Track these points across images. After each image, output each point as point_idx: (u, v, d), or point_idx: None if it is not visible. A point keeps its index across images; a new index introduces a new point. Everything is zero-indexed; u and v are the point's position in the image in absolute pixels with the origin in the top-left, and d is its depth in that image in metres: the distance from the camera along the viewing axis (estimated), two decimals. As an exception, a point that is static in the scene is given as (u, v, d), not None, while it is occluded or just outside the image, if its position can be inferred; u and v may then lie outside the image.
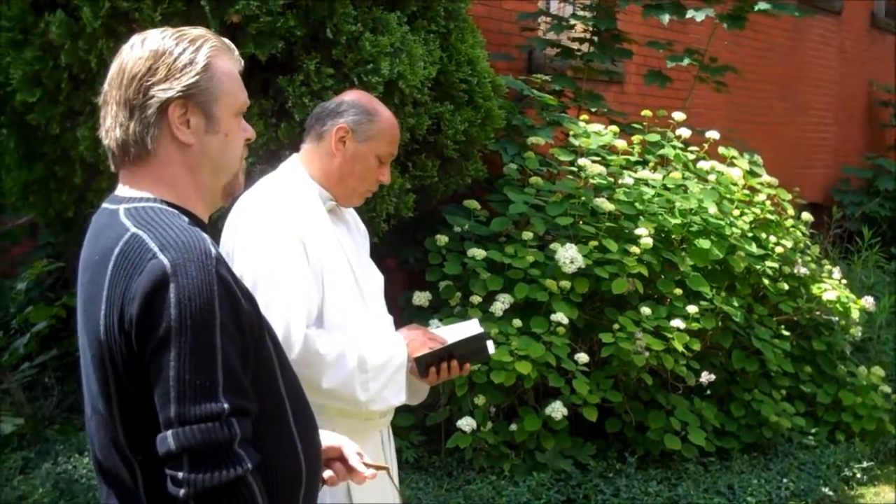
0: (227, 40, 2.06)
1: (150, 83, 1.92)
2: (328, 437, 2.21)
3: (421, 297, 5.41)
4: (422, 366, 2.93)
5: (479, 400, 5.27)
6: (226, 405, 1.78)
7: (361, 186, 2.94)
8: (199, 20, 4.49)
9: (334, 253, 2.85)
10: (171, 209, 1.93)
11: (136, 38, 1.98)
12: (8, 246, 6.91)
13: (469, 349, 2.99)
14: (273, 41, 4.62)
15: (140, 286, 1.78)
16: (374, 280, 3.05)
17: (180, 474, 1.75)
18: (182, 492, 1.75)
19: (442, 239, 5.60)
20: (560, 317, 5.30)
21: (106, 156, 4.55)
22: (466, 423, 5.20)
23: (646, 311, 5.47)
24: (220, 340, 1.79)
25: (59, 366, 6.41)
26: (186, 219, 1.93)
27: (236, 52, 2.06)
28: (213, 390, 1.77)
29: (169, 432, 1.76)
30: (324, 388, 2.71)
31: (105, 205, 2.00)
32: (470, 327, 3.08)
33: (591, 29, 7.17)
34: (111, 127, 1.96)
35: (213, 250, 1.85)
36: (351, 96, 2.99)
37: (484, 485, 5.15)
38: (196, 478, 1.74)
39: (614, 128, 6.40)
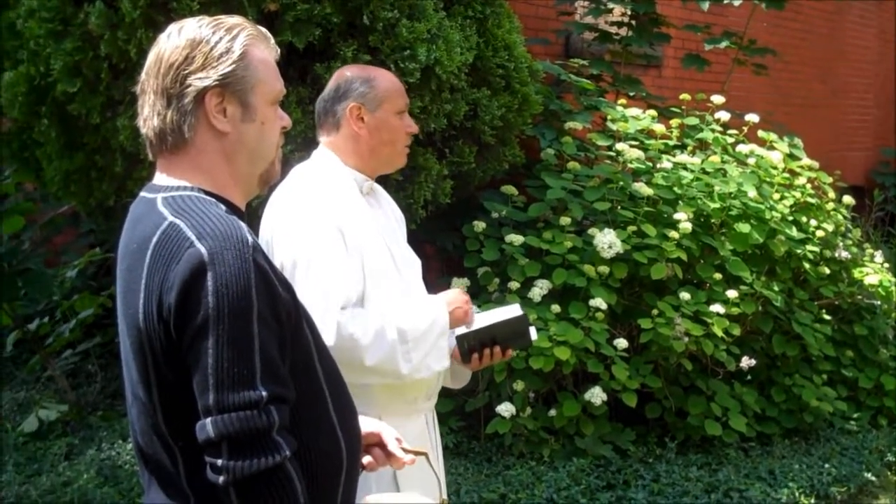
0: (263, 29, 2.07)
1: (187, 72, 1.93)
2: (368, 423, 2.22)
3: (459, 284, 5.41)
4: (463, 350, 2.93)
5: (519, 385, 5.27)
6: (264, 393, 1.79)
7: (397, 147, 2.98)
8: (237, 9, 4.51)
9: (373, 239, 2.85)
10: (208, 197, 1.94)
11: (173, 27, 1.99)
12: (50, 234, 6.99)
13: (510, 332, 2.98)
14: (310, 29, 4.63)
15: (178, 275, 1.79)
16: (413, 265, 3.06)
17: (220, 461, 1.77)
18: (221, 479, 1.76)
19: (480, 225, 5.60)
20: (599, 302, 5.28)
21: (145, 145, 4.59)
22: (506, 409, 5.21)
23: (685, 296, 5.45)
24: (258, 328, 1.80)
25: (102, 353, 6.50)
26: (224, 207, 1.94)
27: (272, 41, 2.07)
28: (252, 378, 1.79)
29: (208, 420, 1.77)
30: (368, 366, 2.71)
31: (143, 193, 2.01)
32: (511, 311, 3.06)
33: (629, 13, 7.12)
34: (149, 116, 1.97)
35: (249, 238, 1.86)
36: (343, 75, 2.98)
37: (523, 470, 5.15)
38: (235, 465, 1.76)
39: (652, 112, 6.36)
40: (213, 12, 4.41)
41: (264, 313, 1.82)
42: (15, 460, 5.15)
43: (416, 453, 2.26)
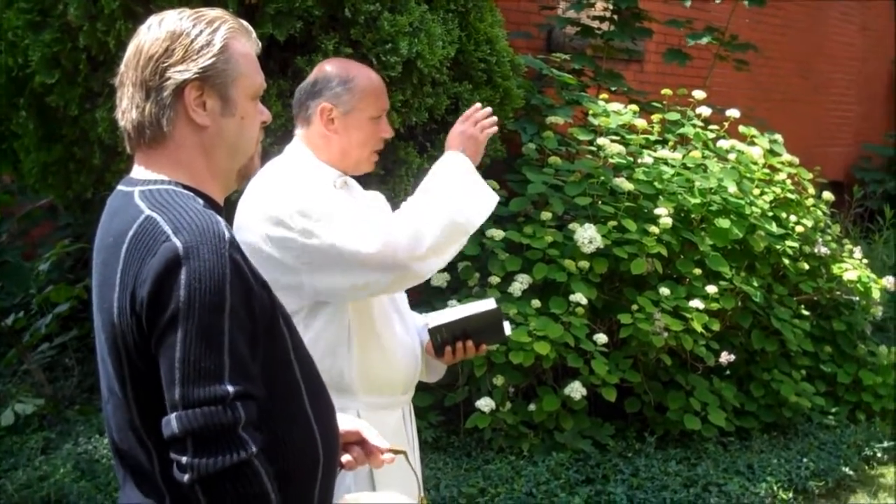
0: (244, 22, 2.04)
1: (166, 64, 1.91)
2: (347, 421, 2.20)
3: (439, 278, 5.40)
4: (437, 343, 2.93)
5: (498, 380, 5.27)
6: (231, 388, 1.76)
7: (365, 152, 2.91)
8: (218, 0, 4.48)
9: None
10: (186, 192, 1.92)
11: (153, 19, 1.97)
12: (28, 227, 6.94)
13: (484, 325, 2.96)
14: (291, 21, 4.62)
15: (152, 268, 1.78)
16: None
17: (184, 458, 1.74)
18: (186, 476, 1.73)
19: (460, 219, 5.58)
20: (579, 297, 5.28)
21: (123, 137, 4.55)
22: (485, 404, 5.21)
23: (665, 291, 5.45)
24: (229, 324, 1.78)
25: (79, 346, 6.46)
26: (202, 201, 1.92)
27: (254, 34, 2.05)
28: (219, 374, 1.76)
29: (173, 416, 1.75)
30: (432, 245, 2.74)
31: (120, 187, 1.99)
32: (486, 304, 3.04)
33: (611, 7, 7.12)
34: (127, 108, 1.95)
35: (226, 234, 1.84)
36: (326, 67, 2.94)
37: (503, 465, 5.16)
38: (200, 462, 1.73)
39: (634, 107, 6.37)
40: (193, 4, 4.38)
41: (237, 309, 1.80)
42: (-9, 454, 5.12)
43: (395, 452, 2.25)
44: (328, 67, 2.94)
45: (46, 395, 5.81)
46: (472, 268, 5.52)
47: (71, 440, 5.21)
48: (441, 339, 2.94)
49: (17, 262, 6.27)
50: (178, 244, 1.78)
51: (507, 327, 3.05)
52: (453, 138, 3.03)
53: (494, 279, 5.37)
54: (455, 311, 3.02)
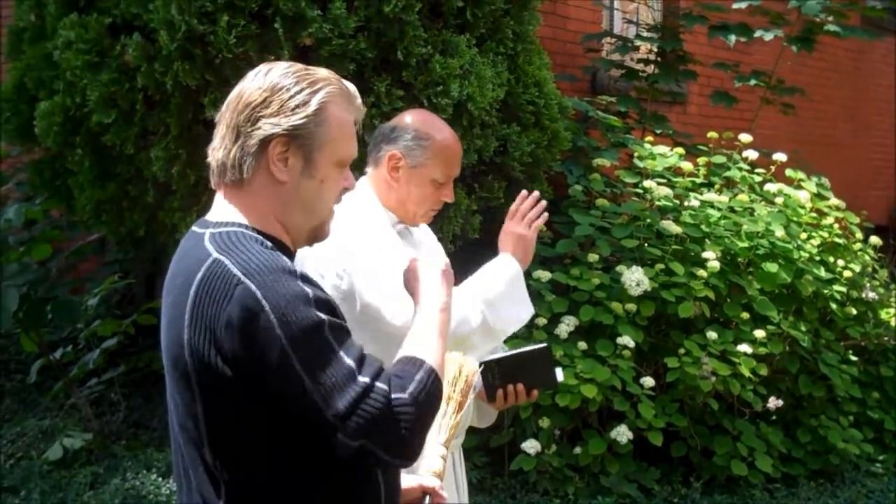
0: (351, 87, 2.06)
1: (260, 114, 1.94)
2: (408, 480, 2.21)
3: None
4: (488, 383, 2.91)
5: (544, 422, 5.25)
6: (366, 379, 1.83)
7: (421, 209, 2.92)
8: (273, 43, 4.56)
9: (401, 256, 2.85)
10: (254, 234, 1.95)
11: (262, 67, 2.01)
12: (76, 262, 7.02)
13: (535, 365, 2.94)
14: (344, 63, 4.67)
15: (234, 315, 1.81)
16: None
17: (379, 455, 1.84)
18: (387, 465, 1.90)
19: (507, 260, 5.58)
20: (626, 340, 5.27)
21: (178, 176, 4.62)
22: (531, 446, 5.19)
23: (712, 335, 5.43)
24: (332, 337, 1.84)
25: (125, 382, 6.50)
26: (270, 244, 1.94)
27: (358, 100, 2.06)
28: (352, 374, 1.82)
29: (339, 436, 1.81)
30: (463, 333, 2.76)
31: (194, 228, 2.03)
32: (536, 345, 3.03)
33: (655, 50, 7.15)
34: (217, 146, 1.99)
35: (292, 267, 1.88)
36: (407, 118, 2.96)
37: (548, 508, 5.13)
38: (391, 450, 1.84)
39: (680, 149, 6.37)
40: (249, 45, 4.50)
41: (332, 323, 1.85)
42: (41, 488, 5.15)
43: (429, 491, 2.26)
44: (411, 118, 2.96)
45: (93, 429, 5.85)
46: (518, 309, 5.51)
47: (118, 475, 5.24)
48: (492, 377, 2.92)
49: (66, 296, 6.33)
50: (252, 286, 1.82)
51: (560, 373, 3.04)
52: (505, 239, 3.01)
53: (541, 321, 5.36)
54: (506, 352, 3.02)
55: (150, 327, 6.06)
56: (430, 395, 1.89)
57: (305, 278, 1.88)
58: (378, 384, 1.83)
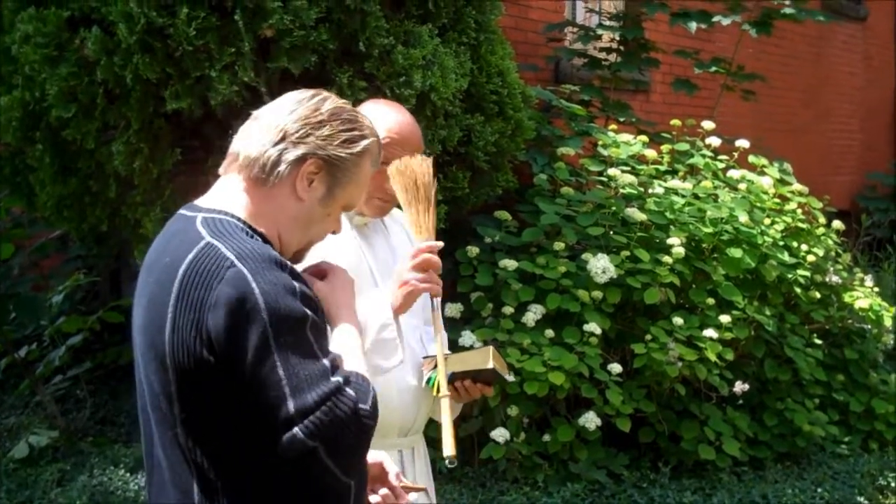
0: (382, 145, 2.18)
1: (311, 132, 1.99)
2: (371, 454, 2.20)
3: (452, 309, 5.40)
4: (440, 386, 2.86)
5: (512, 411, 5.26)
6: (338, 378, 1.86)
7: (363, 195, 2.85)
8: (233, 35, 4.52)
9: (353, 264, 2.79)
10: (245, 228, 1.97)
11: (323, 92, 2.07)
12: (39, 259, 6.96)
13: (482, 378, 2.87)
14: (306, 55, 4.64)
15: (223, 295, 1.83)
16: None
17: (322, 463, 1.82)
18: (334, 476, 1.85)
19: (473, 250, 5.60)
20: (592, 327, 5.29)
21: (140, 170, 4.56)
22: (500, 434, 5.20)
23: (678, 320, 5.46)
24: (313, 334, 1.87)
25: (91, 378, 6.46)
26: (260, 240, 1.97)
27: (380, 159, 2.16)
28: (323, 374, 1.85)
29: (295, 429, 1.80)
30: None
31: (182, 211, 2.05)
32: (482, 358, 2.88)
33: (617, 38, 7.17)
34: (248, 138, 2.02)
35: (282, 260, 1.92)
36: (362, 106, 2.89)
37: (518, 496, 5.15)
38: (335, 457, 1.83)
39: (643, 137, 6.40)
40: (209, 38, 4.46)
41: (312, 318, 1.88)
42: (6, 487, 5.11)
43: (416, 489, 2.26)
44: (367, 104, 2.92)
45: (60, 426, 5.81)
46: (485, 298, 5.53)
47: (86, 472, 5.21)
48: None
49: (29, 293, 6.28)
50: (245, 270, 1.84)
51: (508, 376, 3.00)
52: (397, 279, 2.71)
53: (508, 309, 5.37)
54: (452, 362, 2.86)
55: (115, 324, 6.03)
56: (377, 411, 1.92)
57: (294, 273, 1.92)
58: (348, 389, 1.86)
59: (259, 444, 1.86)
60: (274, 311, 1.82)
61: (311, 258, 2.34)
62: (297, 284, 1.89)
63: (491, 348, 2.92)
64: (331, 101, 2.05)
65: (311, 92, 2.06)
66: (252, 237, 1.95)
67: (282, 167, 1.99)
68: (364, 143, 2.05)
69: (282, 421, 1.81)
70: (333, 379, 1.86)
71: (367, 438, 1.91)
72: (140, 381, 2.02)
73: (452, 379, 2.84)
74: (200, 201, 2.05)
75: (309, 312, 1.88)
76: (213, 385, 1.85)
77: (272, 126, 2.01)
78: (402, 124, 2.87)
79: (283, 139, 1.99)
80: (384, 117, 2.83)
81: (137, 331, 1.98)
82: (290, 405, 1.81)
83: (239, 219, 1.98)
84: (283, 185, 2.00)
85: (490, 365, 2.85)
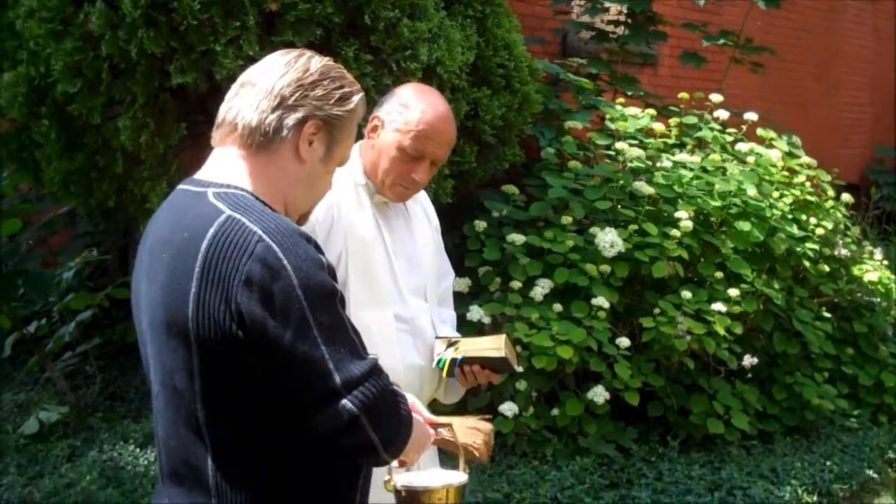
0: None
1: (307, 93, 2.00)
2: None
3: (461, 284, 5.38)
4: (450, 368, 2.86)
5: (521, 385, 5.26)
6: (372, 357, 1.91)
7: (388, 178, 2.83)
8: (238, 9, 4.50)
9: (369, 241, 2.82)
10: (259, 201, 1.96)
11: (306, 52, 2.07)
12: (47, 235, 6.97)
13: (492, 366, 2.89)
14: (311, 28, 4.61)
15: (254, 271, 1.82)
16: (423, 273, 2.98)
17: (370, 435, 1.87)
18: (375, 446, 1.89)
19: (480, 224, 5.59)
20: (601, 301, 5.28)
21: (146, 145, 4.53)
22: (508, 408, 5.20)
23: (686, 294, 5.44)
24: (340, 307, 1.90)
25: (100, 354, 6.47)
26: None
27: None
28: (358, 349, 1.89)
29: (343, 401, 1.83)
30: None
31: (185, 187, 2.03)
32: (495, 345, 2.90)
33: (625, 11, 7.12)
34: (243, 107, 2.01)
35: (306, 232, 1.92)
36: (402, 87, 2.92)
37: (527, 469, 5.15)
38: (380, 432, 1.88)
39: (651, 111, 6.36)
40: (214, 11, 4.44)
41: (341, 294, 1.91)
42: (17, 462, 5.12)
43: (443, 426, 2.30)
44: (405, 87, 2.92)
45: (69, 402, 5.82)
46: (493, 273, 5.52)
47: (95, 448, 5.22)
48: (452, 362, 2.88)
49: (38, 270, 6.29)
50: (274, 245, 1.84)
51: (517, 366, 3.00)
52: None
53: (516, 284, 5.36)
54: (464, 346, 2.91)
55: (123, 300, 6.02)
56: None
57: (317, 246, 1.92)
58: (380, 366, 1.92)
59: (287, 419, 1.88)
60: (308, 286, 1.83)
61: (327, 231, 2.39)
62: (323, 258, 1.89)
63: (504, 336, 2.93)
64: (316, 60, 2.05)
65: (294, 52, 2.06)
66: (269, 208, 1.94)
67: (284, 132, 1.99)
68: (355, 98, 2.07)
69: (329, 393, 1.83)
70: (368, 356, 1.90)
71: (400, 413, 1.94)
72: (146, 359, 2.01)
73: (462, 363, 2.85)
74: (202, 175, 2.03)
75: (337, 286, 1.89)
76: (240, 360, 1.84)
77: (267, 91, 2.00)
78: (439, 119, 2.84)
79: (280, 104, 1.98)
80: (424, 108, 2.82)
81: (147, 308, 1.96)
82: (337, 378, 1.83)
83: (248, 192, 1.97)
84: (284, 149, 2.00)
85: (502, 354, 2.86)
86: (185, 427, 1.91)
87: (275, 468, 1.90)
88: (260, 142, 1.99)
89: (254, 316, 1.81)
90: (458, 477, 2.20)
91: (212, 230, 1.86)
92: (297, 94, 1.99)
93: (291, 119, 1.99)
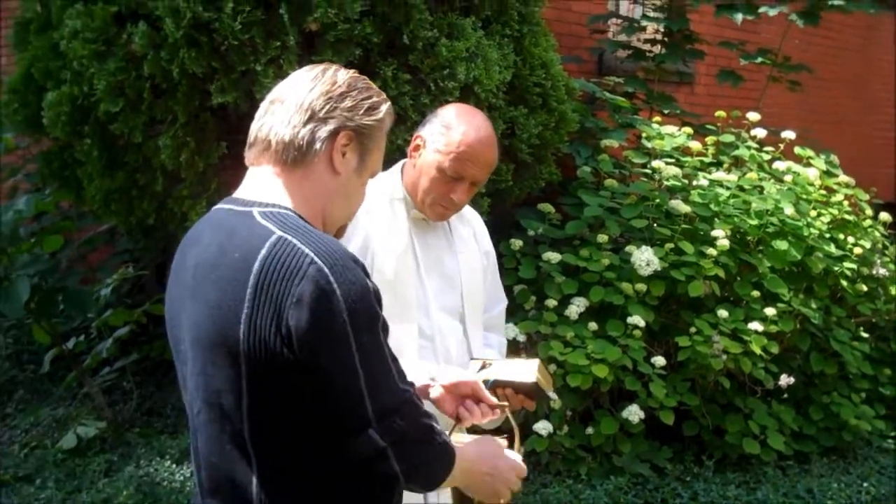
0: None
1: (337, 105, 2.02)
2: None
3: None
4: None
5: (556, 403, 5.26)
6: (406, 388, 1.94)
7: (428, 198, 2.86)
8: (279, 29, 4.56)
9: (399, 253, 2.83)
10: (302, 220, 1.98)
11: (330, 66, 2.09)
12: (86, 252, 7.04)
13: (524, 391, 2.79)
14: (350, 48, 4.66)
15: (306, 293, 1.83)
16: (459, 293, 2.97)
17: (395, 467, 1.89)
18: (398, 481, 1.91)
19: (516, 243, 5.60)
20: (636, 320, 5.27)
21: (187, 164, 4.59)
22: (543, 427, 5.20)
23: (723, 313, 5.43)
24: (383, 335, 1.91)
25: (137, 370, 6.53)
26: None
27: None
28: (394, 379, 1.91)
29: (369, 431, 1.86)
30: None
31: (226, 206, 2.03)
32: (527, 370, 2.80)
33: (662, 30, 7.13)
34: (276, 123, 2.02)
35: (356, 256, 1.93)
36: (446, 107, 2.94)
37: (561, 488, 5.14)
38: (405, 463, 1.90)
39: (688, 129, 6.36)
40: (255, 32, 4.50)
41: (384, 319, 1.93)
42: (55, 476, 5.19)
43: (500, 406, 2.41)
44: (448, 108, 2.93)
45: (107, 418, 5.88)
46: (528, 291, 5.53)
47: (132, 463, 5.27)
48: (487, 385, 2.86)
49: (77, 287, 6.35)
50: (325, 268, 1.85)
51: (553, 394, 2.95)
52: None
53: (551, 302, 5.37)
54: (496, 370, 2.83)
55: (161, 317, 6.08)
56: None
57: (365, 269, 1.93)
58: (416, 398, 1.95)
59: (327, 440, 1.89)
60: (354, 310, 1.85)
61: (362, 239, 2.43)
62: (370, 282, 1.91)
63: (538, 361, 2.86)
64: (343, 72, 2.07)
65: (319, 67, 2.08)
66: (315, 229, 1.96)
67: (317, 145, 2.01)
68: (384, 108, 2.08)
69: (358, 421, 1.86)
70: (402, 386, 1.92)
71: (433, 447, 1.97)
72: (184, 377, 2.02)
73: (493, 385, 2.85)
74: (242, 195, 2.04)
75: (381, 312, 1.91)
76: (289, 380, 1.86)
77: (298, 106, 2.01)
78: (480, 141, 2.85)
79: (311, 118, 2.00)
80: (466, 129, 2.84)
81: (192, 327, 1.96)
82: (369, 406, 1.86)
83: (291, 210, 1.98)
84: (319, 162, 2.02)
85: (533, 378, 2.79)
86: (229, 444, 1.93)
87: (318, 486, 1.92)
88: (295, 156, 2.01)
89: (302, 337, 1.82)
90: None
91: (263, 251, 1.87)
92: (327, 107, 2.01)
93: (323, 131, 2.00)
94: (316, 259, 1.85)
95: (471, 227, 3.09)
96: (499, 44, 5.18)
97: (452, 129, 2.84)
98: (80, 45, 4.80)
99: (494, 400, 2.43)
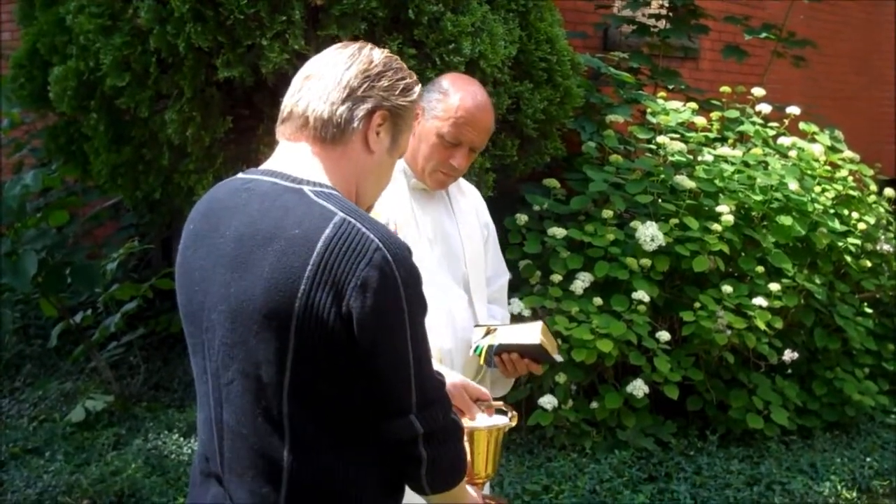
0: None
1: (374, 84, 2.04)
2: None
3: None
4: (488, 356, 2.87)
5: (560, 378, 5.29)
6: (442, 377, 2.01)
7: (428, 165, 2.89)
8: (284, 3, 4.55)
9: (400, 223, 2.84)
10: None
11: (366, 45, 2.11)
12: (92, 227, 7.07)
13: (529, 354, 2.88)
14: (356, 23, 4.66)
15: (371, 278, 1.85)
16: (463, 264, 3.00)
17: (422, 453, 1.95)
18: (423, 468, 1.96)
19: (522, 218, 5.62)
20: (641, 295, 5.29)
21: (193, 139, 4.59)
22: (548, 401, 5.23)
23: (727, 288, 5.44)
24: (425, 325, 1.97)
25: (144, 345, 6.57)
26: None
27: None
28: (433, 369, 1.98)
29: (411, 416, 1.92)
30: None
31: (269, 178, 2.00)
32: (531, 333, 2.88)
33: (666, 4, 7.11)
34: (313, 98, 2.03)
35: (409, 246, 1.97)
36: (440, 77, 2.97)
37: (566, 462, 5.18)
38: (436, 449, 1.96)
39: (692, 104, 6.36)
40: (260, 6, 4.50)
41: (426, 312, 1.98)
42: (64, 449, 5.22)
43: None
44: (445, 77, 2.96)
45: (114, 392, 5.91)
46: (533, 266, 5.55)
47: (140, 436, 5.31)
48: (489, 354, 2.88)
49: (84, 261, 6.38)
50: (389, 255, 1.88)
51: (558, 356, 2.98)
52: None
53: (556, 277, 5.39)
54: (502, 334, 2.90)
55: (167, 291, 6.11)
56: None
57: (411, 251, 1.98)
58: (447, 391, 2.03)
59: (366, 420, 1.93)
60: (411, 301, 1.89)
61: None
62: (421, 274, 1.95)
63: (540, 323, 2.90)
64: (377, 52, 2.09)
65: (354, 45, 2.09)
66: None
67: (354, 123, 2.02)
68: (417, 89, 2.11)
69: (403, 406, 1.91)
70: (439, 377, 1.99)
71: (459, 446, 2.03)
72: (201, 345, 1.99)
73: (498, 350, 2.87)
74: (283, 168, 2.01)
75: (426, 303, 1.96)
76: (338, 361, 1.88)
77: (336, 83, 2.02)
78: (477, 106, 2.89)
79: (349, 95, 2.02)
80: (462, 95, 2.87)
81: (228, 298, 1.93)
82: (414, 394, 1.91)
83: (336, 191, 1.99)
84: (355, 141, 2.03)
85: (537, 340, 2.84)
86: (262, 417, 1.93)
87: (348, 462, 1.94)
88: (334, 134, 2.02)
89: (363, 321, 1.85)
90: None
91: (328, 230, 1.88)
92: (364, 86, 2.02)
93: (361, 110, 2.02)
94: (381, 246, 1.87)
95: (470, 200, 3.11)
96: (504, 18, 5.18)
97: (450, 95, 2.87)
98: (85, 20, 4.80)
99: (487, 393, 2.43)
